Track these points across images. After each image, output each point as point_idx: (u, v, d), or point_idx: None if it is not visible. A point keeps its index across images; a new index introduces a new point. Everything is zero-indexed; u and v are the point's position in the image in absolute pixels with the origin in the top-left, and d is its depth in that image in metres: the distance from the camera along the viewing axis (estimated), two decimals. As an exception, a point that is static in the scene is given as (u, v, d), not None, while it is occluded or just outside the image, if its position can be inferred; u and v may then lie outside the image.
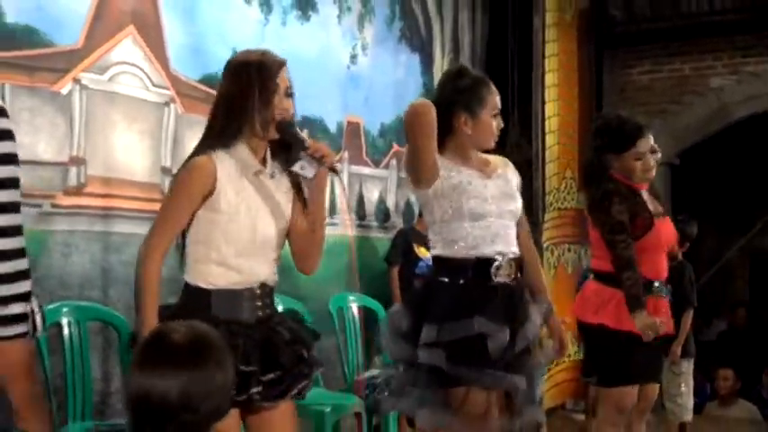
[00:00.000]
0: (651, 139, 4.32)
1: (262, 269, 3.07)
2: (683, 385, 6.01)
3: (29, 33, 4.65)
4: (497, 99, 3.64)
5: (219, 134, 3.01)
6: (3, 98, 4.46)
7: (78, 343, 4.31)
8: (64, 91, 4.85)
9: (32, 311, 1.76)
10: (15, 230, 1.76)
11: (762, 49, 7.93)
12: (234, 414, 2.83)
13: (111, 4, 5.10)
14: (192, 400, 1.96)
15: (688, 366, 6.05)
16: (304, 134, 3.12)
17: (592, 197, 4.36)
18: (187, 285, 3.06)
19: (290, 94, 3.05)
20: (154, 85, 5.32)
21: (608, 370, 4.25)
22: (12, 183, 1.77)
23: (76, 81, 4.90)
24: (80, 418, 4.18)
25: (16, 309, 1.74)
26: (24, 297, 1.75)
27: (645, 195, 4.31)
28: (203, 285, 3.00)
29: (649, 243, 4.19)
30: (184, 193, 2.96)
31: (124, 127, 5.15)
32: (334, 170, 3.06)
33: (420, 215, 6.36)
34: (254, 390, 2.89)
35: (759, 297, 11.15)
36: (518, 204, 3.67)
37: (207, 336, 2.07)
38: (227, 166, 2.97)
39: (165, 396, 1.96)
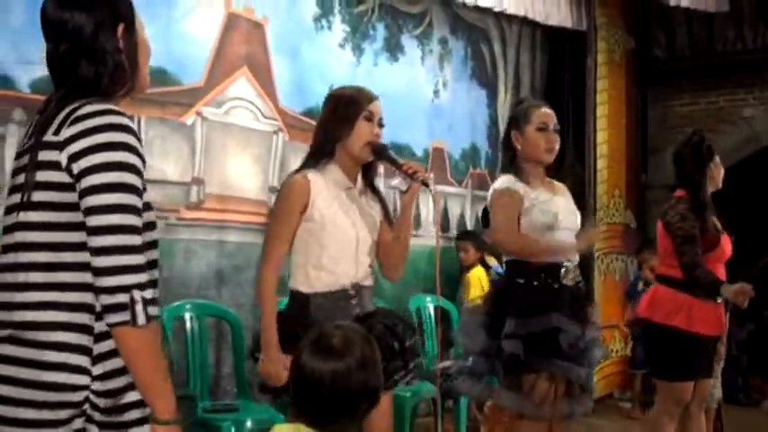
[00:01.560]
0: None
1: (353, 271, 3.02)
2: (715, 377, 5.94)
3: (160, 74, 4.73)
4: (545, 115, 3.57)
5: (314, 156, 3.04)
6: (138, 128, 4.58)
7: (198, 334, 4.41)
8: (188, 122, 4.96)
9: (132, 301, 1.75)
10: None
11: (789, 83, 7.80)
12: None
13: (228, 50, 5.21)
14: (336, 383, 2.01)
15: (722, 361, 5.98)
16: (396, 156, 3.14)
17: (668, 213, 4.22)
18: (290, 290, 3.05)
19: (381, 125, 3.05)
20: (264, 117, 5.39)
21: (673, 366, 4.14)
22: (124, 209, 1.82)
23: (198, 114, 5.01)
24: (199, 398, 4.26)
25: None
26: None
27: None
28: (303, 290, 2.98)
29: (715, 257, 4.10)
30: (284, 208, 2.97)
31: (237, 152, 5.24)
32: (426, 184, 3.03)
33: (485, 226, 6.36)
34: None
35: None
36: (579, 219, 3.65)
37: (354, 337, 2.10)
38: (320, 183, 2.96)
39: (321, 375, 2.02)
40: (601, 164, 7.43)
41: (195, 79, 5.00)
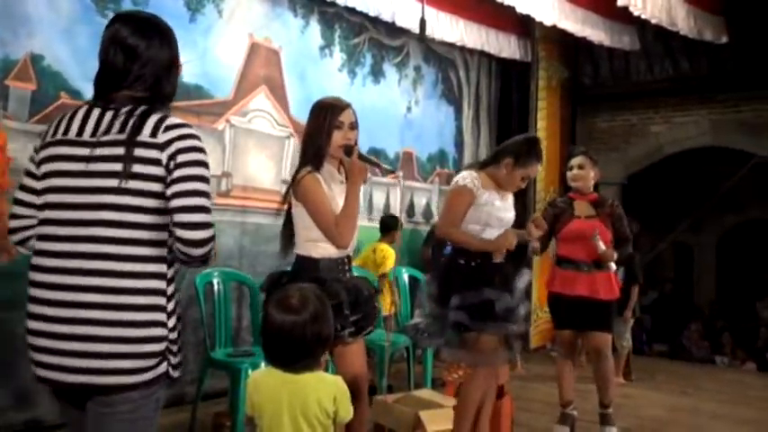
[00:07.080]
0: (575, 160, 4.52)
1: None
2: (628, 333, 6.03)
3: (198, 89, 4.73)
4: (534, 171, 3.48)
5: (314, 158, 2.92)
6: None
7: (223, 295, 4.36)
8: (219, 128, 4.92)
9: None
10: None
11: (686, 106, 7.82)
12: None
13: (251, 71, 5.17)
14: (294, 331, 2.01)
15: (631, 321, 6.06)
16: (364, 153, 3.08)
17: None
18: (300, 257, 2.96)
19: (353, 128, 2.96)
20: (278, 125, 5.36)
21: (553, 318, 4.47)
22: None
23: (227, 122, 4.97)
24: (223, 345, 4.24)
25: None
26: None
27: (580, 203, 4.39)
28: (314, 255, 2.89)
29: (565, 234, 4.28)
30: (323, 194, 2.86)
31: (257, 152, 5.19)
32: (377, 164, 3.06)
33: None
34: (347, 329, 2.83)
35: (680, 276, 11.05)
36: (513, 215, 3.58)
37: (310, 296, 2.07)
38: (325, 179, 2.91)
39: (281, 326, 2.02)
40: (539, 166, 7.45)
41: (225, 94, 4.98)
